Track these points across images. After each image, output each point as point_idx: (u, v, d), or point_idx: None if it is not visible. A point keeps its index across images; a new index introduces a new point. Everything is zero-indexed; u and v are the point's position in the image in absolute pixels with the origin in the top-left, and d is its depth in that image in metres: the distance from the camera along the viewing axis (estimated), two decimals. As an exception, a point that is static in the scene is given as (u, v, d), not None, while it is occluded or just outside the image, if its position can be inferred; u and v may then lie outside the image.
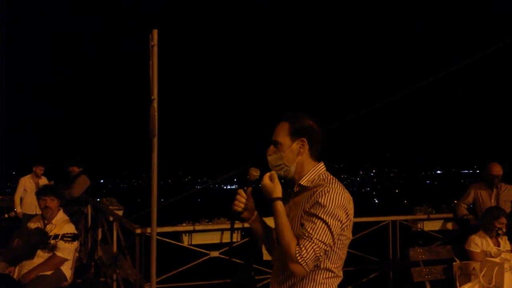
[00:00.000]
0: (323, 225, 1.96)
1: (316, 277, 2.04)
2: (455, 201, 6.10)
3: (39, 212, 8.03)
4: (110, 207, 6.81)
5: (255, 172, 2.15)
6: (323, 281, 2.04)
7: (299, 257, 1.92)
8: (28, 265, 4.61)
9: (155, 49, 4.12)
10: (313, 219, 1.96)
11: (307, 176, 2.12)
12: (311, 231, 1.96)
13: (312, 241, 1.94)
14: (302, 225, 2.00)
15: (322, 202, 1.97)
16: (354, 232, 5.81)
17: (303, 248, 1.93)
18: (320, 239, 1.94)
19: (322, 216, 1.95)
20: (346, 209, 2.01)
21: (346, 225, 2.04)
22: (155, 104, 4.12)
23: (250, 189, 2.17)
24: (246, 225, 3.84)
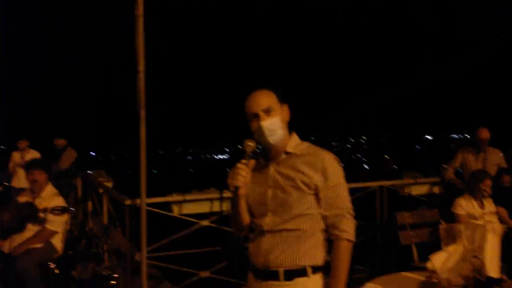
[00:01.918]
0: (346, 194, 2.14)
1: (318, 241, 2.14)
2: (444, 165, 6.19)
3: (25, 185, 8.05)
4: (99, 179, 6.81)
5: (251, 143, 2.12)
6: (323, 242, 2.15)
7: (350, 236, 2.10)
8: (18, 239, 4.64)
9: (141, 18, 4.04)
10: (338, 192, 2.12)
11: (290, 144, 2.18)
12: (345, 204, 2.13)
13: (349, 215, 2.13)
14: (325, 198, 2.11)
15: (334, 172, 2.12)
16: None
17: (348, 229, 2.10)
18: (351, 212, 2.14)
19: (342, 187, 2.13)
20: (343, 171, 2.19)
21: None
22: (142, 75, 4.08)
23: (252, 161, 2.13)
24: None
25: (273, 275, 2.11)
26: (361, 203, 5.67)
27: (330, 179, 2.10)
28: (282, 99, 2.18)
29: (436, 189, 6.25)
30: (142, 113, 4.12)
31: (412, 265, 4.78)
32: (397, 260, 5.32)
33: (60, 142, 7.94)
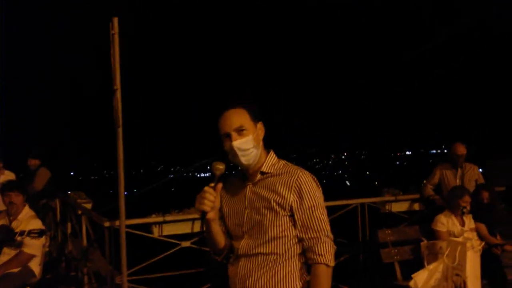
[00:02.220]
0: (323, 216, 2.05)
1: (296, 265, 2.06)
2: (424, 181, 6.26)
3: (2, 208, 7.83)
4: (78, 200, 6.69)
5: (220, 166, 2.02)
6: (302, 266, 2.08)
7: (327, 261, 2.01)
8: (-6, 263, 4.52)
9: (116, 37, 4.04)
10: (314, 214, 2.03)
11: (266, 162, 2.12)
12: (322, 226, 2.03)
13: (327, 239, 2.03)
14: (301, 220, 2.04)
15: (310, 192, 2.04)
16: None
17: (324, 253, 2.00)
18: (328, 235, 2.05)
19: (318, 209, 2.04)
20: (320, 190, 2.10)
21: None
22: (118, 95, 4.05)
23: (220, 185, 2.02)
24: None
25: None
26: (343, 220, 5.70)
27: (305, 200, 2.02)
28: (257, 116, 2.11)
29: (416, 206, 6.29)
30: (119, 131, 4.09)
31: (395, 283, 4.78)
32: (380, 278, 5.31)
33: (34, 162, 7.74)
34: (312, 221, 2.02)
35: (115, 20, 4.06)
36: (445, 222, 4.92)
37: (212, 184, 1.99)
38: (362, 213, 5.84)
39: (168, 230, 4.95)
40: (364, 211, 5.89)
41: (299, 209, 2.02)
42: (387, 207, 6.19)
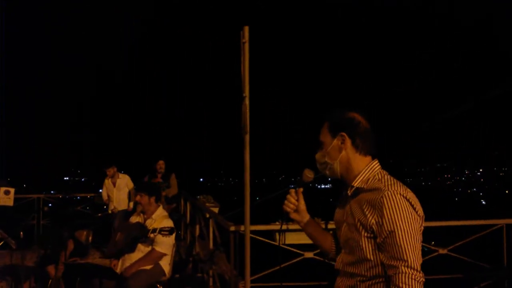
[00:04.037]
0: (406, 244, 1.80)
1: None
2: None
3: (124, 207, 8.45)
4: (207, 204, 6.95)
5: (309, 174, 2.15)
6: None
7: None
8: (129, 259, 4.82)
9: (247, 45, 4.09)
10: (395, 240, 1.81)
11: (360, 177, 1.99)
12: (401, 255, 1.80)
13: (408, 270, 1.80)
14: (381, 245, 1.85)
15: (392, 214, 1.82)
16: (463, 236, 5.27)
17: (401, 285, 1.78)
18: (410, 265, 1.80)
19: (401, 234, 1.81)
20: (416, 210, 1.87)
21: (421, 228, 1.90)
22: (247, 101, 4.10)
23: (301, 189, 2.18)
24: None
25: None
26: (485, 243, 5.12)
27: (385, 222, 1.83)
28: (338, 127, 2.03)
29: None
30: (247, 138, 4.13)
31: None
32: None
33: (161, 165, 8.23)
34: (391, 247, 1.82)
35: (246, 29, 4.12)
36: None
37: (296, 189, 2.17)
38: (508, 234, 5.19)
39: (291, 239, 4.86)
40: (510, 232, 5.22)
41: (379, 232, 1.85)
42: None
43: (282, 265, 4.88)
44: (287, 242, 4.86)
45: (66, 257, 5.13)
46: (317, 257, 4.80)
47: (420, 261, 1.83)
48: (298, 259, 4.94)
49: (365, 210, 1.91)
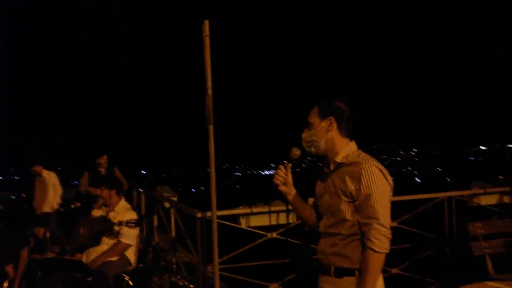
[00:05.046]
0: (378, 205, 2.20)
1: (358, 246, 2.26)
2: (501, 177, 6.03)
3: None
4: (165, 194, 7.03)
5: (296, 151, 2.43)
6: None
7: (375, 247, 2.16)
8: (94, 252, 4.84)
9: (207, 39, 4.21)
10: (369, 202, 2.20)
11: (341, 154, 2.36)
12: (375, 214, 2.19)
13: (378, 226, 2.18)
14: (358, 206, 2.23)
15: (369, 181, 2.21)
16: (409, 209, 5.73)
17: (373, 239, 2.16)
18: (380, 223, 2.18)
19: (374, 197, 2.20)
20: (387, 180, 2.27)
21: (390, 194, 2.30)
22: (210, 93, 4.23)
23: (290, 165, 2.44)
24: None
25: (327, 271, 2.34)
26: (428, 214, 5.58)
27: (362, 188, 2.22)
28: (326, 112, 2.37)
29: (506, 199, 6.04)
30: (211, 128, 4.27)
31: (487, 277, 4.63)
32: (468, 272, 5.16)
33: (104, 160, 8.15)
34: (366, 208, 2.20)
35: (206, 23, 4.24)
36: (541, 215, 4.70)
37: (286, 163, 2.43)
38: (449, 206, 5.69)
39: (255, 221, 5.09)
40: (451, 205, 5.74)
41: (357, 196, 2.23)
42: (475, 200, 5.99)
43: (248, 246, 5.14)
44: (251, 224, 5.09)
45: (29, 254, 5.09)
46: (280, 237, 5.05)
47: (389, 220, 2.23)
48: (262, 239, 5.17)
49: (346, 180, 2.28)
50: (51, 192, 8.02)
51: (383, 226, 2.18)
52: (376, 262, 2.17)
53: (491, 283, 3.21)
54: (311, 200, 2.59)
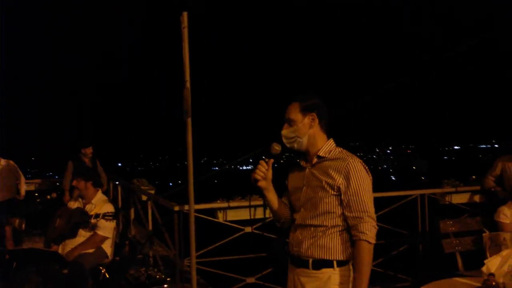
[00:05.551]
0: (367, 199, 2.29)
1: (341, 237, 2.33)
2: (473, 177, 6.18)
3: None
4: (142, 187, 7.00)
5: (277, 147, 2.43)
6: (346, 240, 2.33)
7: (368, 238, 2.24)
8: (70, 244, 4.81)
9: (185, 31, 4.21)
10: (359, 197, 2.28)
11: (323, 148, 2.42)
12: (365, 208, 2.27)
13: (369, 219, 2.27)
14: (347, 201, 2.29)
15: (357, 177, 2.29)
16: (383, 206, 5.85)
17: (366, 231, 2.24)
18: (371, 216, 2.28)
19: (363, 192, 2.29)
20: (369, 175, 2.36)
21: None
22: (188, 85, 4.24)
23: (271, 160, 2.44)
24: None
25: (304, 264, 2.37)
26: (402, 211, 5.71)
27: (351, 183, 2.29)
28: (307, 109, 2.40)
29: (477, 198, 6.21)
30: (189, 121, 4.28)
31: (457, 273, 4.77)
32: (439, 269, 5.31)
33: (90, 150, 8.05)
34: (356, 202, 2.27)
35: (185, 15, 4.23)
36: (509, 214, 4.84)
37: (266, 159, 2.43)
38: (421, 204, 5.83)
39: (232, 215, 5.13)
40: (423, 202, 5.87)
41: (346, 191, 2.29)
42: (447, 198, 6.14)
43: (224, 240, 5.18)
44: (228, 218, 5.13)
45: (3, 244, 5.03)
46: (256, 231, 5.11)
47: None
48: (239, 234, 5.22)
49: (331, 174, 2.34)
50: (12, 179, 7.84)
51: (373, 218, 2.29)
52: (370, 253, 2.26)
53: (460, 279, 3.30)
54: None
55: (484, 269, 3.02)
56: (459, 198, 6.18)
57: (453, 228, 5.07)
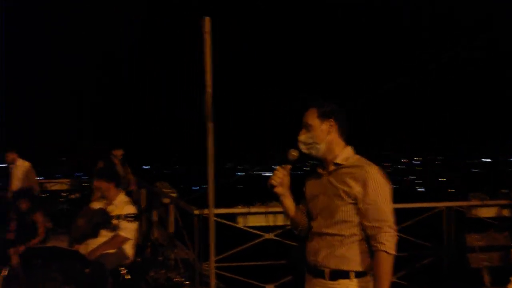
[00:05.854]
0: (387, 208, 2.22)
1: (361, 248, 2.25)
2: (502, 190, 6.01)
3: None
4: (164, 190, 7.03)
5: (294, 153, 2.39)
6: (364, 250, 2.25)
7: (387, 249, 2.17)
8: (92, 244, 4.86)
9: (208, 36, 4.21)
10: (377, 205, 2.20)
11: (340, 156, 2.36)
12: (384, 217, 2.20)
13: (389, 229, 2.20)
14: (364, 210, 2.21)
15: (375, 185, 2.22)
16: (408, 218, 5.73)
17: (385, 242, 2.17)
18: (391, 226, 2.21)
19: (382, 201, 2.21)
20: (388, 183, 2.28)
21: None
22: (209, 89, 4.25)
23: (289, 167, 2.41)
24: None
25: (320, 274, 2.30)
26: (427, 224, 5.58)
27: (369, 192, 2.22)
28: (326, 115, 2.37)
29: (505, 212, 6.03)
30: (210, 125, 4.28)
31: (483, 288, 4.64)
32: (465, 283, 5.16)
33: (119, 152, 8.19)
34: (375, 211, 2.20)
35: (207, 20, 4.24)
36: (539, 230, 4.70)
37: (284, 165, 2.40)
38: (447, 217, 5.69)
39: (253, 221, 5.11)
40: (449, 215, 5.73)
41: (364, 200, 2.22)
42: (473, 212, 5.99)
43: (245, 246, 5.16)
44: (249, 224, 5.11)
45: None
46: (276, 238, 5.08)
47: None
48: (259, 240, 5.19)
49: (348, 182, 2.27)
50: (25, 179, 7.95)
51: (393, 228, 2.22)
52: (390, 264, 2.18)
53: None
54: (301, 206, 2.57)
55: (511, 286, 2.92)
56: (486, 212, 6.02)
57: (479, 243, 4.94)
